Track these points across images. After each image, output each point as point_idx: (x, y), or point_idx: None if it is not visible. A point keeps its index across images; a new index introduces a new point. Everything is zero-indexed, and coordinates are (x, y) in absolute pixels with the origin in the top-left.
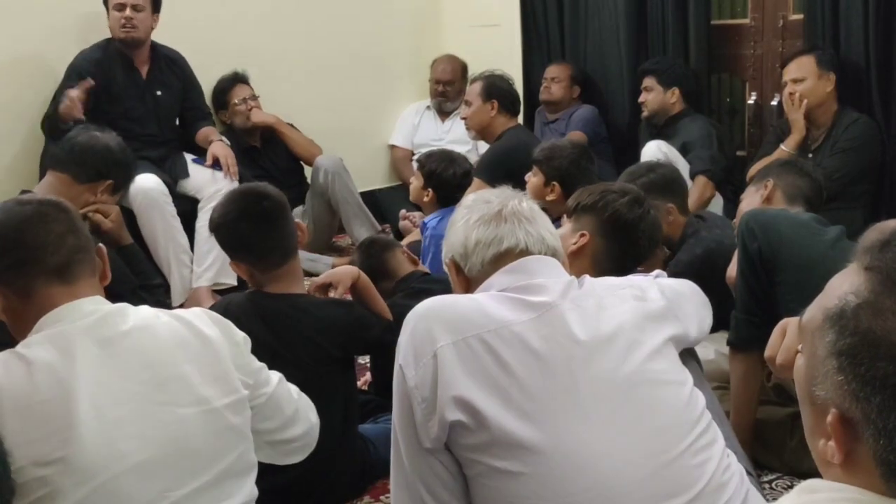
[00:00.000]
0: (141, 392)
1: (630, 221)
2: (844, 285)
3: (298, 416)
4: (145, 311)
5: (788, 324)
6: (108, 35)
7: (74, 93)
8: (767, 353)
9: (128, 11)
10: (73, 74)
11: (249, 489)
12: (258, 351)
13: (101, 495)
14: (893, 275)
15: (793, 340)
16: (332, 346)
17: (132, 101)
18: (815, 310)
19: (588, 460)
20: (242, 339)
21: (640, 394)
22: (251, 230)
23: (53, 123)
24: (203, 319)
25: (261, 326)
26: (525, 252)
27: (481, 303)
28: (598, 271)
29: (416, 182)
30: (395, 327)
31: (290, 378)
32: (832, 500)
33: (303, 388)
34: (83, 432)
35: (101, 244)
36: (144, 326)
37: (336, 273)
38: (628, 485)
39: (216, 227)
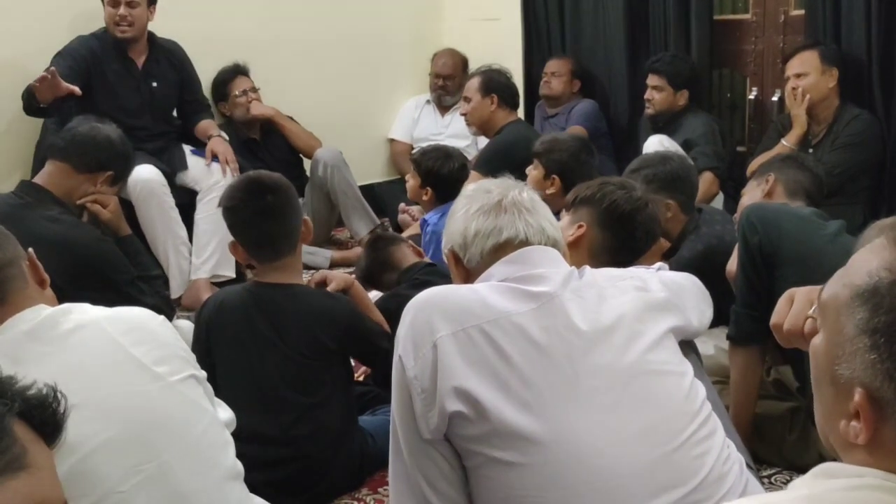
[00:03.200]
0: (96, 379)
1: (627, 213)
2: (874, 261)
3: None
4: (89, 307)
5: (796, 293)
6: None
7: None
8: (774, 320)
9: (122, 9)
10: (67, 54)
11: (231, 462)
12: (255, 341)
13: (74, 477)
14: None
15: (802, 307)
16: (328, 338)
17: (126, 93)
18: (838, 286)
19: (588, 451)
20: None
21: (640, 384)
22: (250, 221)
23: (28, 100)
24: (145, 312)
25: (258, 316)
26: (525, 243)
27: (481, 293)
28: (595, 263)
29: (412, 181)
30: (391, 337)
31: (287, 368)
32: (852, 487)
33: (300, 379)
34: None
35: (29, 249)
36: (90, 321)
37: (332, 274)
38: (628, 476)
39: (222, 208)
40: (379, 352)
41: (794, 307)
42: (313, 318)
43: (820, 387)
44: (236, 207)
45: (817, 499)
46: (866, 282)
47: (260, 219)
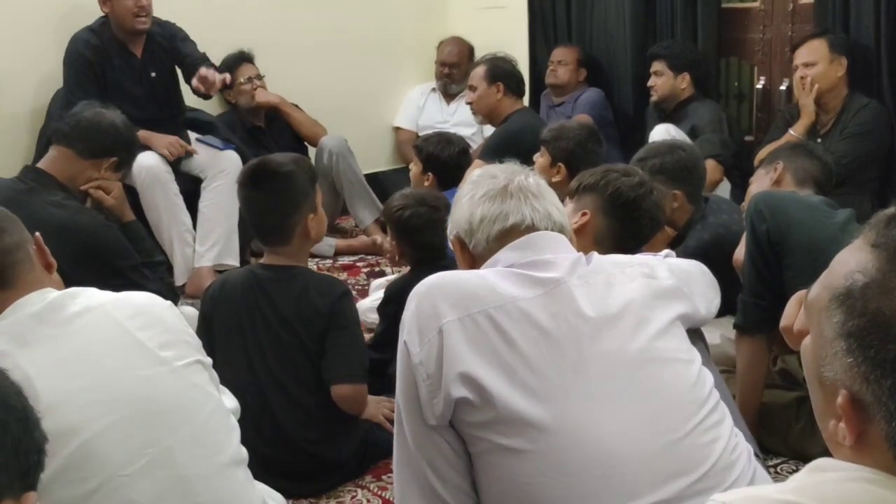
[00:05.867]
0: (101, 362)
1: (631, 199)
2: (850, 263)
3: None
4: (95, 291)
5: (805, 295)
6: (98, 16)
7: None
8: (783, 323)
9: (143, 0)
10: (79, 63)
11: (235, 448)
12: (253, 323)
13: (79, 459)
14: None
15: None
16: (322, 316)
17: (130, 85)
18: (821, 288)
19: (594, 438)
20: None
21: (647, 371)
22: (245, 204)
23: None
24: (152, 297)
25: (257, 297)
26: (531, 228)
27: (487, 279)
28: (600, 250)
29: (415, 168)
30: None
31: (283, 352)
32: (845, 480)
33: (296, 363)
34: (48, 405)
35: (36, 233)
36: (96, 305)
37: None
38: (635, 463)
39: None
40: (353, 341)
41: (802, 310)
42: (308, 298)
43: (812, 387)
44: (239, 187)
45: (808, 490)
46: (842, 284)
47: (249, 205)
